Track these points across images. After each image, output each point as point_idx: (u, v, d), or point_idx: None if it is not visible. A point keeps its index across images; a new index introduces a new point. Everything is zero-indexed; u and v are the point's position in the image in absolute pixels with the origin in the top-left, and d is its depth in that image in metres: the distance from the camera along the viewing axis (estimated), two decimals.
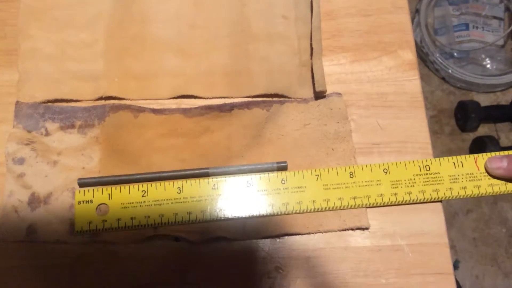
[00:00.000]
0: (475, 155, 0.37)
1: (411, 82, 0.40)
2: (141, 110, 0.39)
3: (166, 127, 0.39)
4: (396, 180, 0.37)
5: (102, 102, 0.40)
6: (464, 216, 1.01)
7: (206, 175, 0.37)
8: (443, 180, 0.37)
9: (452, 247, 0.99)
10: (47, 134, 0.39)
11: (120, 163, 0.38)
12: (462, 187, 0.37)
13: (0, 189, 0.38)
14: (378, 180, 0.37)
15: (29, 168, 0.38)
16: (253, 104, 0.39)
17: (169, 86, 0.40)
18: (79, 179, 0.37)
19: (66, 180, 0.38)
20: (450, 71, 1.05)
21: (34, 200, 0.37)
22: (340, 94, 0.40)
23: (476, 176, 0.37)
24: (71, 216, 0.37)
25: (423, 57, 1.09)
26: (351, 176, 0.37)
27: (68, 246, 0.36)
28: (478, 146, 1.01)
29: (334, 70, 0.41)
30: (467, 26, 1.08)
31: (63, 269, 0.36)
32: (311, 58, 0.40)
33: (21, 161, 0.38)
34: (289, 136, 0.39)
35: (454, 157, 0.37)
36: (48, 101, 0.40)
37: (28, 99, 0.40)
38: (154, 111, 0.40)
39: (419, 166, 0.37)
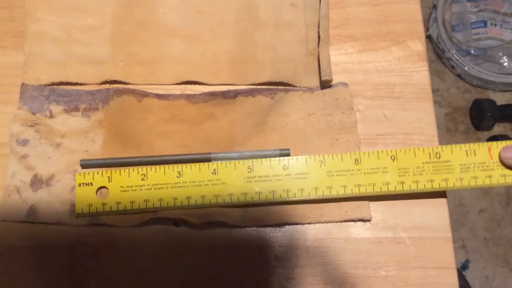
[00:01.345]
0: (489, 143, 0.35)
1: (420, 73, 0.39)
2: (145, 94, 0.39)
3: (169, 112, 0.39)
4: (404, 168, 0.35)
5: (107, 86, 0.40)
6: (476, 216, 0.99)
7: (208, 160, 0.37)
8: (454, 169, 0.35)
9: (463, 247, 0.97)
10: (51, 116, 0.39)
11: (123, 147, 0.38)
12: (473, 177, 0.35)
13: (3, 169, 0.38)
14: (384, 168, 0.35)
15: (32, 150, 0.38)
16: (258, 91, 0.39)
17: (173, 72, 0.40)
18: (82, 160, 0.37)
19: (69, 162, 0.38)
20: (466, 68, 1.03)
21: (36, 181, 0.37)
22: (346, 84, 0.39)
23: (489, 166, 0.35)
24: (72, 199, 0.37)
25: (439, 53, 1.08)
26: (356, 162, 0.36)
27: (68, 228, 0.36)
28: None
29: (341, 59, 0.40)
30: (485, 23, 1.05)
31: (63, 250, 0.36)
32: (318, 47, 0.39)
33: (24, 142, 0.38)
34: (293, 125, 0.39)
35: (467, 145, 0.36)
36: (53, 84, 0.40)
37: (34, 81, 0.40)
38: (158, 96, 0.40)
39: (429, 153, 0.35)
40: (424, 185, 0.35)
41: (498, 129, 1.04)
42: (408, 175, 0.35)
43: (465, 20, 1.05)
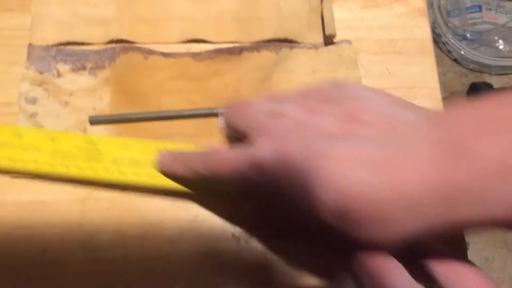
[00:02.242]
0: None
1: (421, 29, 0.40)
2: (151, 52, 0.40)
3: (175, 70, 0.40)
4: None
5: (113, 45, 0.40)
6: None
7: (214, 114, 0.37)
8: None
9: None
10: (59, 75, 0.40)
11: (130, 104, 0.39)
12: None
13: (11, 120, 0.38)
14: None
15: (41, 108, 0.39)
16: (263, 46, 0.39)
17: (178, 29, 0.41)
18: (90, 116, 0.38)
19: (77, 120, 0.38)
20: (462, 52, 1.04)
21: None
22: (349, 41, 0.40)
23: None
24: None
25: (435, 38, 1.09)
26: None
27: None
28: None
29: (344, 16, 0.41)
30: (480, 8, 1.07)
31: (75, 204, 0.37)
32: (322, 4, 0.40)
33: (33, 100, 0.39)
34: (297, 81, 0.39)
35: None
36: (60, 44, 0.40)
37: (41, 42, 0.40)
38: (164, 54, 0.40)
39: None
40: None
41: None
42: None
43: (461, 5, 1.07)
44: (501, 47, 1.04)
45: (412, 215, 0.21)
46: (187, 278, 0.35)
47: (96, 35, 0.41)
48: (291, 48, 0.40)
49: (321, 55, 0.40)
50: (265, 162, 0.25)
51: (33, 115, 0.38)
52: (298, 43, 0.40)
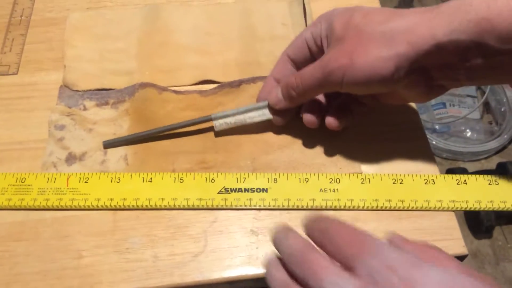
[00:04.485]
0: (68, 174, 0.43)
1: None
2: (164, 89, 0.47)
3: (185, 102, 0.46)
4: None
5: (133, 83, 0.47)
6: None
7: (209, 120, 0.43)
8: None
9: None
10: (85, 109, 0.46)
11: (145, 129, 0.44)
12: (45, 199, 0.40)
13: (42, 152, 0.43)
14: None
15: (68, 133, 0.44)
16: (258, 79, 0.47)
17: (191, 75, 0.48)
18: (104, 141, 0.43)
19: (99, 142, 0.44)
20: (434, 142, 1.14)
21: (71, 158, 0.43)
22: None
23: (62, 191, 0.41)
24: (102, 170, 0.42)
25: None
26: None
27: None
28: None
29: None
30: (444, 105, 1.20)
31: (106, 215, 0.40)
32: None
33: (61, 127, 0.44)
34: None
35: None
36: (89, 90, 0.47)
37: (71, 87, 0.47)
38: (175, 92, 0.47)
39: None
40: None
41: None
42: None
43: (426, 103, 1.20)
44: (469, 134, 1.14)
45: None
46: None
47: (121, 82, 0.48)
48: None
49: None
50: None
51: (60, 139, 0.44)
52: None
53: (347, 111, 0.42)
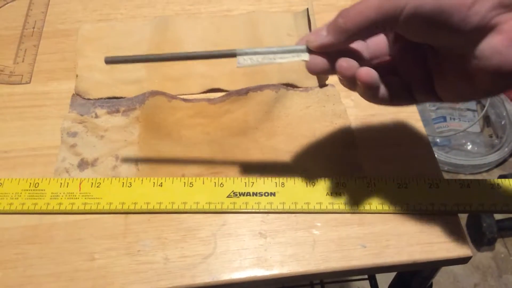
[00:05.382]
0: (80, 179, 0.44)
1: None
2: (173, 97, 0.48)
3: (193, 110, 0.48)
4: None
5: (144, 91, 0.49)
6: None
7: (233, 55, 0.36)
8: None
9: None
10: (97, 117, 0.47)
11: (156, 136, 0.46)
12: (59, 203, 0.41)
13: (54, 158, 0.44)
14: None
15: (80, 140, 0.45)
16: (265, 87, 0.48)
17: (199, 83, 0.50)
18: (106, 57, 0.36)
19: (111, 149, 0.45)
20: (436, 155, 1.15)
21: (83, 164, 0.44)
22: (333, 85, 0.49)
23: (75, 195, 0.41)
24: (113, 175, 0.43)
25: None
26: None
27: None
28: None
29: None
30: (444, 118, 1.21)
31: (118, 219, 0.41)
32: None
33: (74, 134, 0.45)
34: (294, 114, 0.47)
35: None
36: (101, 99, 0.48)
37: (84, 96, 0.48)
38: (184, 100, 0.48)
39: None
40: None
41: None
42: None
43: (427, 117, 1.21)
44: (469, 148, 1.15)
45: None
46: None
47: (131, 90, 0.49)
48: (287, 90, 0.48)
49: (311, 95, 0.48)
50: None
51: (73, 146, 0.45)
52: (298, 87, 0.49)
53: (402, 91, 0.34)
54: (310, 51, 0.33)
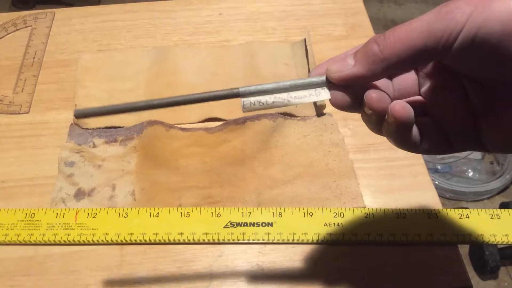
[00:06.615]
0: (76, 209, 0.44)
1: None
2: (171, 126, 0.48)
3: (191, 139, 0.48)
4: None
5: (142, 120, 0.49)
6: None
7: (236, 95, 0.29)
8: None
9: None
10: (94, 146, 0.47)
11: (153, 165, 0.46)
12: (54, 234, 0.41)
13: (51, 188, 0.44)
14: None
15: (77, 170, 0.45)
16: (262, 116, 0.48)
17: (197, 113, 0.50)
18: (76, 110, 0.29)
19: (108, 178, 0.45)
20: (437, 182, 1.14)
21: (79, 194, 0.44)
22: (331, 114, 0.49)
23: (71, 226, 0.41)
24: (110, 205, 0.43)
25: None
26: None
27: None
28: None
29: None
30: None
31: (114, 250, 0.41)
32: None
33: (71, 164, 0.45)
34: (292, 143, 0.47)
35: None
36: (99, 128, 0.49)
37: (81, 126, 0.49)
38: (182, 129, 0.48)
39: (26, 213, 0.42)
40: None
41: None
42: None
43: None
44: (470, 174, 1.15)
45: None
46: None
47: (129, 120, 0.49)
48: (285, 118, 0.49)
49: (309, 124, 0.48)
50: None
51: (70, 176, 0.45)
52: (295, 116, 0.49)
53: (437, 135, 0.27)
54: (329, 82, 0.27)
